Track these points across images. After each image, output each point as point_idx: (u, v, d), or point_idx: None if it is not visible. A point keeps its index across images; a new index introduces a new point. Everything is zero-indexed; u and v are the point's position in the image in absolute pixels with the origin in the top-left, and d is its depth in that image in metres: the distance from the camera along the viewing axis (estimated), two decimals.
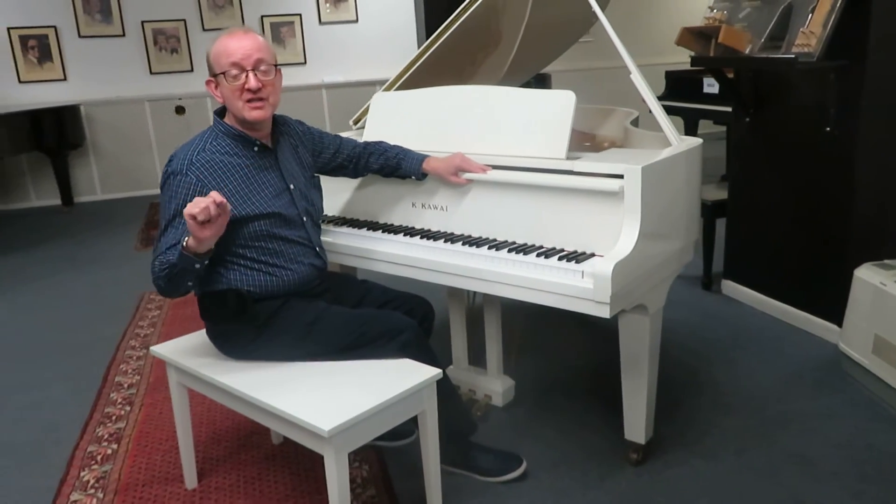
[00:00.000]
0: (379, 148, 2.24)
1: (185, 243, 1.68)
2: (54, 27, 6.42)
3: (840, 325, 2.75)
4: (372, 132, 2.44)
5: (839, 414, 2.41)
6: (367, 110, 2.59)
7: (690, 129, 6.06)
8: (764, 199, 3.21)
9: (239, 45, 1.84)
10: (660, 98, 5.86)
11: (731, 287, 3.48)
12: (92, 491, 2.17)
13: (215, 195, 1.63)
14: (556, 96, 2.08)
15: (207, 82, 1.92)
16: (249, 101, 1.84)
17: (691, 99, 5.61)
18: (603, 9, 2.56)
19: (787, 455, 2.19)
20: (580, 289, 1.79)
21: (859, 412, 2.42)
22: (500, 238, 2.07)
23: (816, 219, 2.94)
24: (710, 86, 5.33)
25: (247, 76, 1.83)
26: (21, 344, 3.39)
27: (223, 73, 1.84)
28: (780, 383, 2.63)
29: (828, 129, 2.79)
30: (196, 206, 1.59)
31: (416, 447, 1.93)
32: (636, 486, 2.07)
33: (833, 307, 2.81)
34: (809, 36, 2.60)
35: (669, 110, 5.81)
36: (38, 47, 6.43)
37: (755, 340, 3.00)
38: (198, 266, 1.72)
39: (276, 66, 1.91)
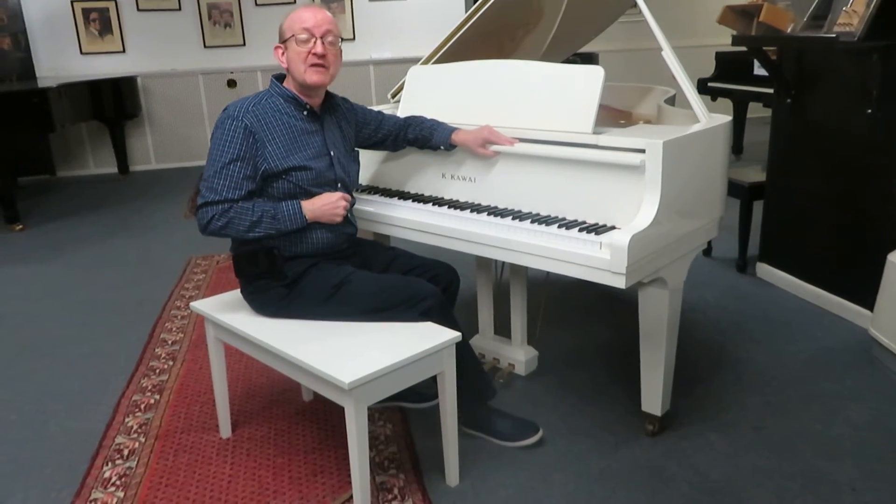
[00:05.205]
0: (415, 121, 2.33)
1: (308, 217, 2.00)
2: (115, 0, 6.64)
3: (872, 309, 2.73)
4: (407, 104, 2.52)
5: (863, 397, 2.40)
6: (404, 84, 2.66)
7: (739, 111, 5.95)
8: (802, 182, 3.18)
9: (313, 15, 2.01)
10: (709, 79, 5.80)
11: (765, 270, 3.45)
12: (135, 435, 2.32)
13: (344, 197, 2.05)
14: (586, 71, 2.11)
15: (276, 48, 2.07)
16: (313, 65, 1.99)
17: (741, 81, 5.51)
18: None
19: (805, 433, 2.21)
20: (598, 259, 1.84)
21: (884, 396, 2.41)
22: (526, 209, 2.12)
23: (854, 203, 2.91)
24: (761, 68, 5.22)
25: (315, 42, 1.99)
26: (76, 301, 3.59)
27: (293, 37, 1.99)
28: (806, 365, 2.63)
29: (869, 111, 2.75)
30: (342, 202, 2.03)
31: (439, 410, 2.00)
32: (650, 455, 2.12)
33: (866, 292, 2.78)
34: (852, 15, 2.57)
35: (718, 92, 5.74)
36: (99, 20, 6.67)
37: (785, 323, 2.99)
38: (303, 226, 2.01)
39: (340, 41, 2.07)
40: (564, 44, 2.97)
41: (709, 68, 5.86)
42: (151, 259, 4.23)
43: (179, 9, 6.82)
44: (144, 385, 2.66)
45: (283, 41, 2.03)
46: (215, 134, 1.99)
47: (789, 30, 2.87)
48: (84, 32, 6.66)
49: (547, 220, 2.00)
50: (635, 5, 2.34)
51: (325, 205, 2.00)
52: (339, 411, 1.86)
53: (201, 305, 2.18)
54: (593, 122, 2.05)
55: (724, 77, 5.72)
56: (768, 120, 3.43)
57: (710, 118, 2.16)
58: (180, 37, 6.89)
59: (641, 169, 1.87)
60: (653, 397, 2.18)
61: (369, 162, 2.51)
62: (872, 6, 2.50)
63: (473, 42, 2.70)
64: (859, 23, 2.52)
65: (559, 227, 1.96)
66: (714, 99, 5.78)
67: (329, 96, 2.17)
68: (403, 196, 2.37)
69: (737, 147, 6.09)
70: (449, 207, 2.22)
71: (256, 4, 6.95)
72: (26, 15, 6.40)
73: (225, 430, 2.29)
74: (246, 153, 1.95)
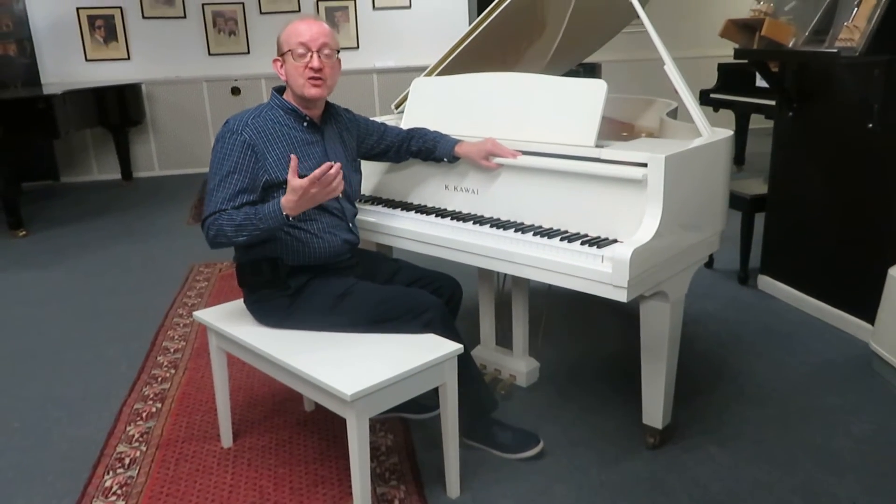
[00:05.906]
0: (419, 133, 2.34)
1: (287, 215, 1.87)
2: (120, 8, 6.69)
3: (873, 323, 2.73)
4: (410, 116, 2.53)
5: (864, 410, 2.40)
6: (408, 95, 2.67)
7: (742, 123, 5.97)
8: (804, 195, 3.19)
9: (309, 28, 2.01)
10: (711, 91, 5.81)
11: (766, 282, 3.46)
12: (136, 444, 2.32)
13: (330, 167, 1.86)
14: (588, 85, 2.12)
15: (274, 61, 2.08)
16: (310, 78, 2.00)
17: (743, 92, 5.53)
18: (645, 1, 2.59)
19: (806, 447, 2.21)
20: (600, 272, 1.84)
21: (885, 410, 2.41)
22: (528, 222, 2.13)
23: (855, 216, 2.92)
24: (763, 80, 5.23)
25: (311, 56, 1.99)
26: (78, 307, 3.60)
27: (290, 51, 2.00)
28: (806, 378, 2.64)
29: (870, 125, 2.76)
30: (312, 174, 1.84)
31: (440, 421, 2.00)
32: (651, 468, 2.12)
33: (867, 305, 2.78)
34: (853, 30, 2.58)
35: (720, 103, 5.75)
36: (104, 27, 6.71)
37: (786, 336, 3.00)
38: (285, 224, 1.92)
39: (337, 52, 2.08)
40: (568, 55, 2.99)
41: (711, 79, 5.87)
42: (154, 266, 4.25)
43: (184, 16, 6.87)
44: (146, 393, 2.66)
45: (281, 55, 2.05)
46: (215, 148, 2.01)
47: (791, 44, 2.89)
48: (89, 39, 6.70)
49: (549, 233, 2.01)
50: (639, 17, 2.35)
51: (300, 199, 1.84)
52: (340, 422, 1.87)
53: (204, 315, 2.18)
54: (596, 135, 2.06)
55: (727, 88, 5.74)
56: (770, 131, 3.44)
57: (712, 132, 2.17)
58: (185, 44, 6.93)
59: (644, 183, 1.88)
60: (654, 410, 2.19)
61: (372, 173, 2.52)
62: (874, 21, 2.51)
63: (477, 53, 2.72)
64: (860, 38, 2.53)
65: (561, 239, 1.96)
66: (716, 110, 5.80)
67: (329, 106, 2.18)
68: (406, 207, 2.38)
69: (739, 158, 6.10)
70: (451, 219, 2.23)
71: (261, 13, 7.00)
72: (32, 21, 6.43)
73: (226, 440, 2.30)
74: (243, 165, 1.95)
